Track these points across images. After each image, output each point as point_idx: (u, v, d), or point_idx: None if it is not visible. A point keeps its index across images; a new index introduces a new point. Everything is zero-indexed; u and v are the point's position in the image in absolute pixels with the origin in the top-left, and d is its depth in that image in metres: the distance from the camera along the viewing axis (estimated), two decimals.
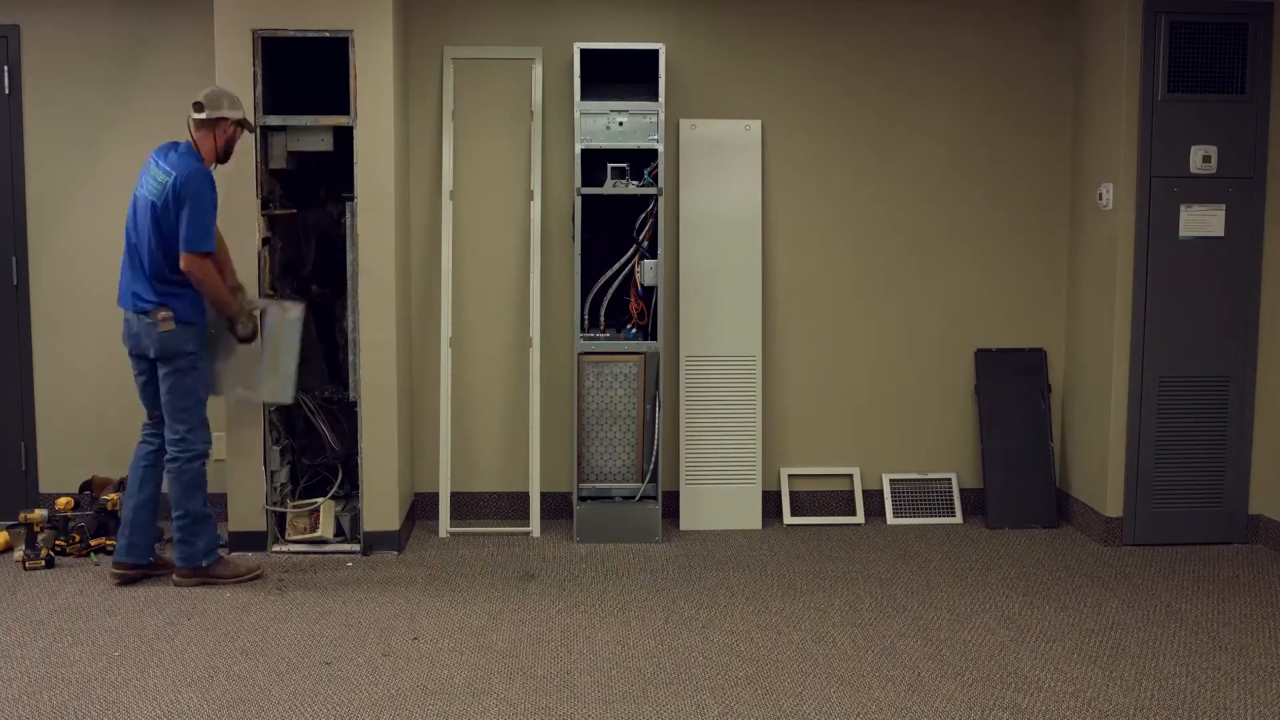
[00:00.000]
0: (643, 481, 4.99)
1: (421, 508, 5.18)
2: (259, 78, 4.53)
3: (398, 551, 4.71)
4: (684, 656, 3.62)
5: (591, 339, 4.93)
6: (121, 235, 4.99)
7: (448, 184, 5.02)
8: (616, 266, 4.98)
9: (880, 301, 5.26)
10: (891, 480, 5.30)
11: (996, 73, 5.19)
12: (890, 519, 5.24)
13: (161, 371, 4.19)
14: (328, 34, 4.53)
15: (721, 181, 5.09)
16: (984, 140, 5.22)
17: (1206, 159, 4.78)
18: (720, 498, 5.11)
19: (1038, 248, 5.27)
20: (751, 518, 5.12)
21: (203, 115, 4.19)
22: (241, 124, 4.28)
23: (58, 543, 4.53)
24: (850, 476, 5.30)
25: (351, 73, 4.55)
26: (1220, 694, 3.38)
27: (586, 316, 5.01)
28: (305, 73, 4.77)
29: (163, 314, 4.12)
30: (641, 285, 4.95)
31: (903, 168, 5.21)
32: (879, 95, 5.18)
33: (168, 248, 4.13)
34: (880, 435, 5.31)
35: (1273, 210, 4.82)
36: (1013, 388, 5.26)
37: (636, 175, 4.92)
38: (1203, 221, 4.81)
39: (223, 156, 4.29)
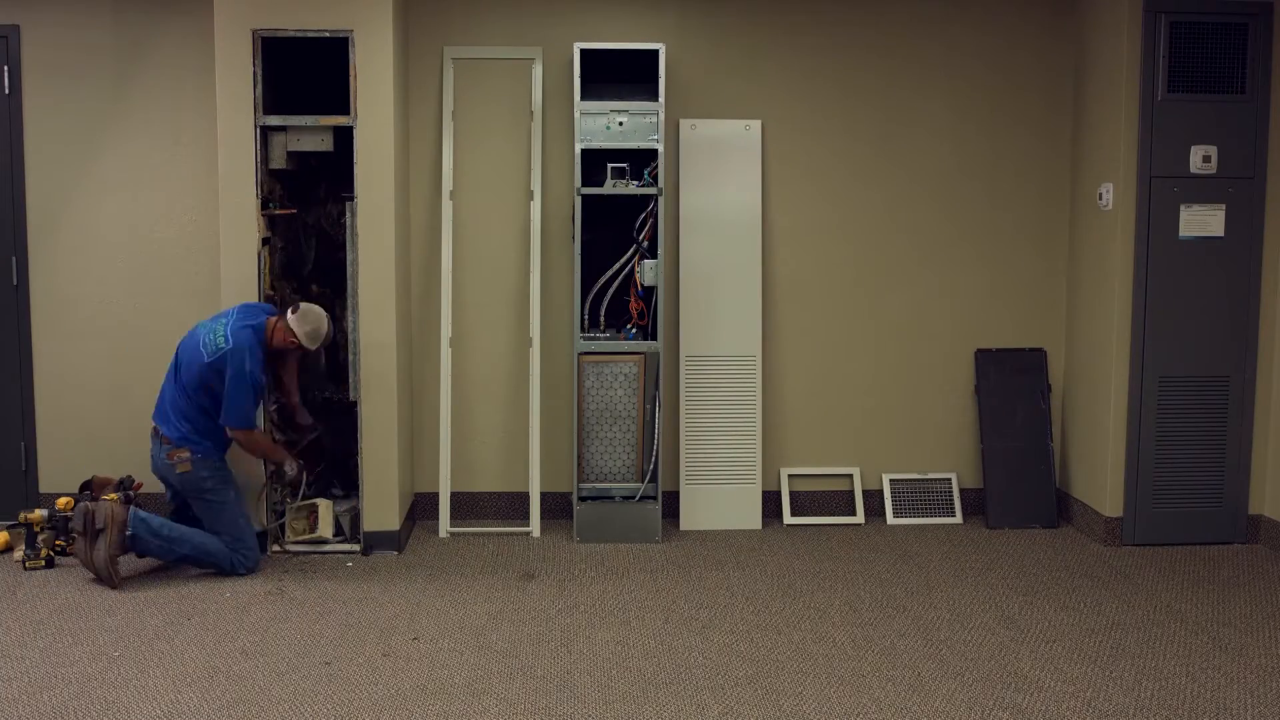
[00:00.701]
0: (643, 481, 4.99)
1: (421, 508, 5.18)
2: (259, 78, 4.53)
3: (398, 551, 4.71)
4: (684, 656, 3.62)
5: (591, 339, 4.93)
6: (121, 235, 5.03)
7: (448, 184, 5.02)
8: (616, 266, 4.98)
9: (880, 301, 5.26)
10: (891, 480, 5.30)
11: (997, 72, 5.19)
12: (890, 519, 5.24)
13: (189, 499, 4.42)
14: (328, 34, 4.53)
15: (721, 181, 5.09)
16: (984, 140, 5.21)
17: (1206, 159, 4.78)
18: (720, 498, 5.11)
19: (1038, 247, 5.27)
20: (751, 518, 5.12)
21: (294, 321, 4.33)
22: (302, 348, 4.39)
23: (58, 543, 4.52)
24: (850, 476, 5.30)
25: (351, 73, 4.55)
26: (1220, 694, 3.38)
27: (586, 316, 5.01)
28: (305, 73, 4.77)
29: (181, 454, 4.31)
30: (641, 285, 4.95)
31: (902, 168, 5.21)
32: (879, 95, 5.18)
33: (202, 402, 4.33)
34: (880, 435, 5.31)
35: (1273, 210, 4.82)
36: (1013, 388, 5.25)
37: (636, 175, 4.92)
38: (1203, 221, 4.81)
39: (270, 349, 4.38)
